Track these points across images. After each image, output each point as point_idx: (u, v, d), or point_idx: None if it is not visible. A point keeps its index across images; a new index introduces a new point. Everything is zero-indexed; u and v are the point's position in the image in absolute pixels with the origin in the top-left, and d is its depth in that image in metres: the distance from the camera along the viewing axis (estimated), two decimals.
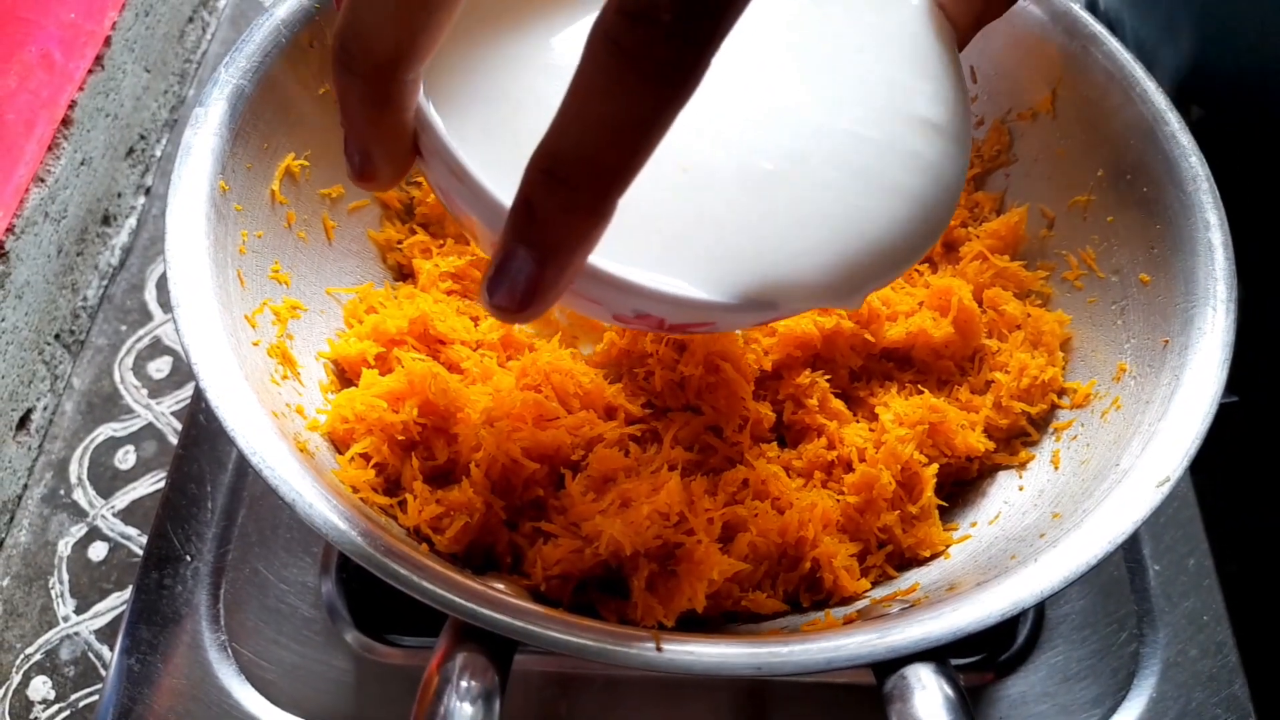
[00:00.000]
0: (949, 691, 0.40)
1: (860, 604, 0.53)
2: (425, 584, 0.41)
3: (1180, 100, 0.61)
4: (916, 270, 0.67)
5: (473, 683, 0.39)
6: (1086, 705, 0.60)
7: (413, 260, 0.66)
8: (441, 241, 0.68)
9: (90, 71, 0.85)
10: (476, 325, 0.62)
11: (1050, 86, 0.65)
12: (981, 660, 0.62)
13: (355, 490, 0.50)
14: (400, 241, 0.67)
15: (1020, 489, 0.57)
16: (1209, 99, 0.75)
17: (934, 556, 0.56)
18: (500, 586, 0.47)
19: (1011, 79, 0.67)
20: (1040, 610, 0.63)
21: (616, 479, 0.54)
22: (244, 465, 0.66)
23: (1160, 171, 0.58)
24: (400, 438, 0.53)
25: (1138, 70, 0.60)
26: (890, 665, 0.42)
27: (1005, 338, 0.63)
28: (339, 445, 0.54)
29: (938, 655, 0.42)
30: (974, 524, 0.57)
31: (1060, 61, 0.64)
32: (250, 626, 0.61)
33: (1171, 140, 0.58)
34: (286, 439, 0.46)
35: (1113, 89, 0.61)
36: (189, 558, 0.62)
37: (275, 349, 0.53)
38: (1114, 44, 0.62)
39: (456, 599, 0.41)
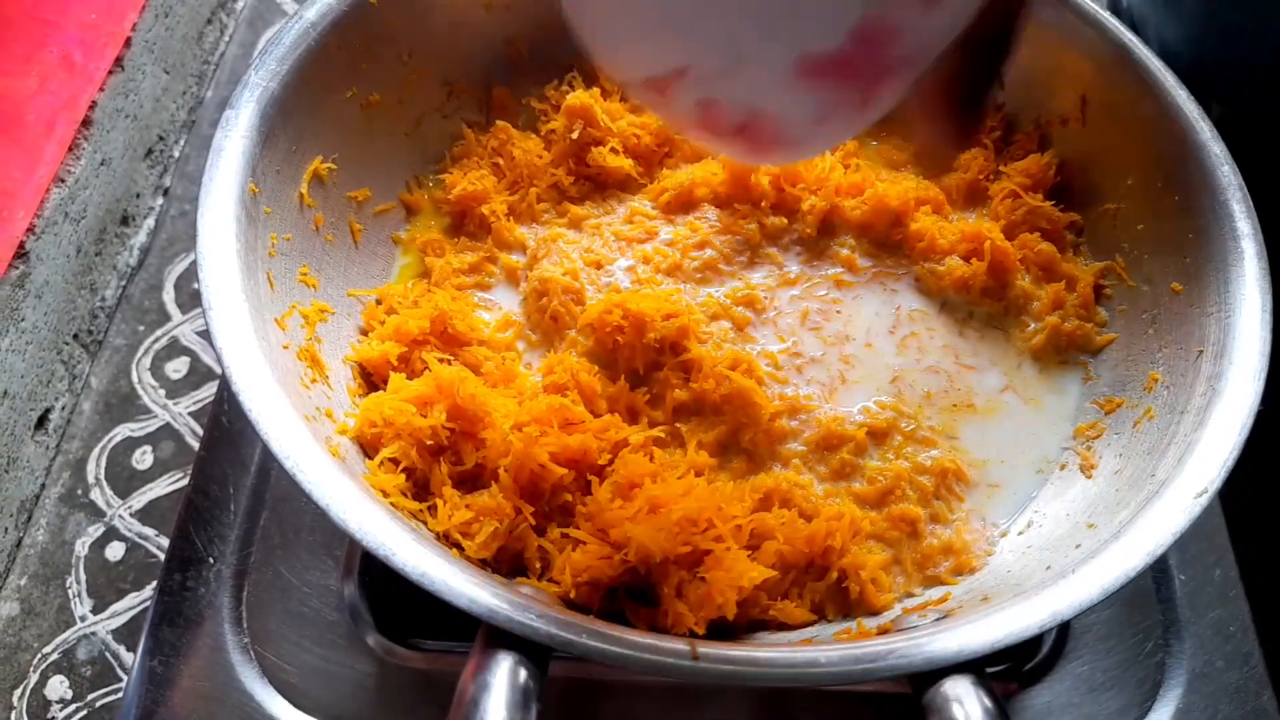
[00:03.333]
0: (988, 704, 0.40)
1: (892, 614, 0.53)
2: (465, 591, 0.41)
3: (1201, 97, 0.60)
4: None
5: (510, 691, 0.39)
6: (1112, 716, 0.60)
7: (426, 258, 0.66)
8: (456, 239, 0.68)
9: (110, 72, 0.84)
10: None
11: (1080, 93, 0.65)
12: (1006, 670, 0.62)
13: (385, 495, 0.50)
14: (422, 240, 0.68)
15: (1051, 498, 0.57)
16: (1231, 96, 0.74)
17: (964, 566, 0.55)
18: (530, 593, 0.47)
19: (1040, 85, 0.67)
20: (1066, 621, 0.63)
21: (643, 484, 0.54)
22: (266, 467, 0.65)
23: (1192, 180, 0.58)
24: (429, 442, 0.53)
25: (1169, 79, 0.60)
26: (928, 677, 0.42)
27: (1040, 279, 0.65)
28: (367, 449, 0.53)
29: (975, 666, 0.42)
30: (1004, 534, 0.57)
31: (1090, 69, 0.64)
32: (272, 629, 0.60)
33: (1204, 149, 0.58)
34: (319, 442, 0.46)
35: (1144, 97, 0.61)
36: (211, 560, 0.62)
37: (304, 352, 0.53)
38: (1145, 51, 0.61)
39: (493, 605, 0.41)
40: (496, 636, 0.42)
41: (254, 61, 0.55)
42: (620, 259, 0.66)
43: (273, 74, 0.55)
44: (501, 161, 0.70)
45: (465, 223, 0.69)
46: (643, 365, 0.60)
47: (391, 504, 0.49)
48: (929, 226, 0.66)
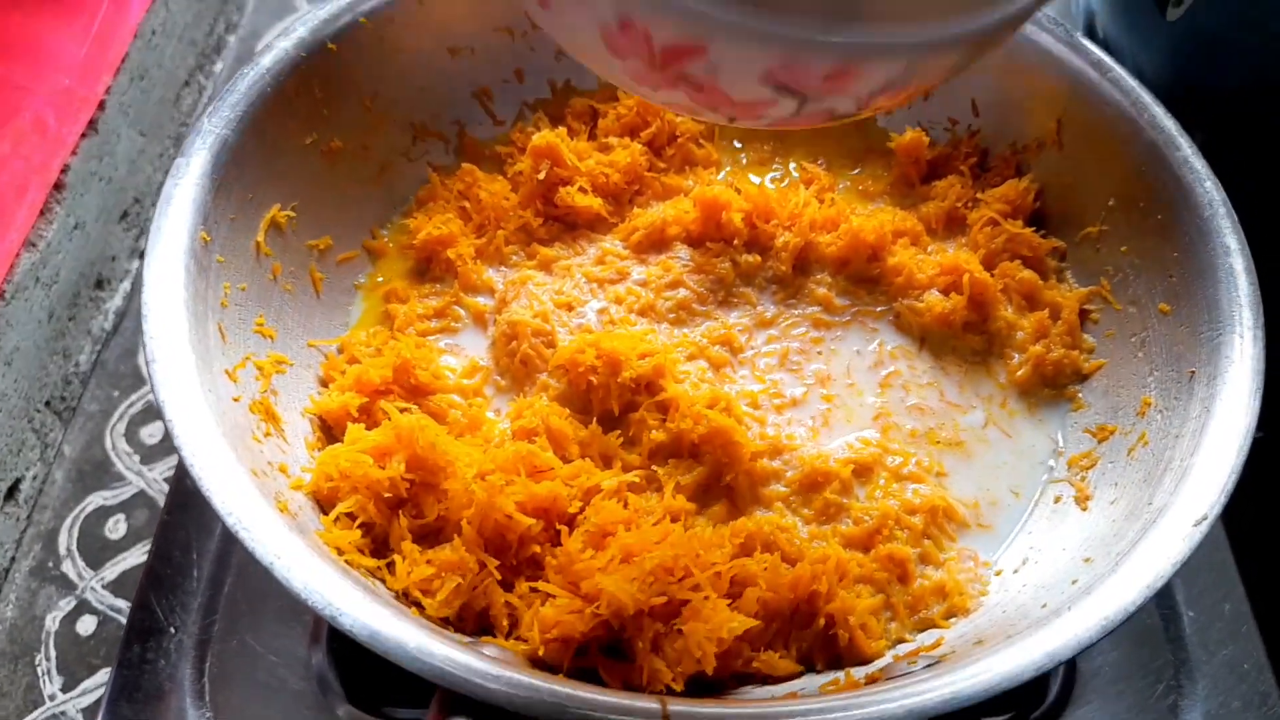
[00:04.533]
0: None
1: (882, 662, 0.50)
2: (412, 652, 0.38)
3: (1184, 125, 0.59)
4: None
5: None
6: None
7: (388, 305, 0.65)
8: (421, 284, 0.67)
9: (84, 136, 0.84)
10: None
11: (1055, 117, 0.64)
12: (1011, 719, 0.59)
13: (340, 552, 0.48)
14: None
15: (1046, 533, 0.55)
16: (1210, 123, 0.73)
17: (958, 608, 0.53)
18: (493, 652, 0.45)
19: (1015, 110, 0.66)
20: (1071, 663, 0.59)
21: (616, 532, 0.51)
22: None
23: (1175, 198, 0.56)
24: (387, 495, 0.51)
25: (1145, 96, 0.59)
26: None
27: (1023, 308, 0.63)
28: (324, 505, 0.51)
29: (972, 715, 0.39)
30: (998, 572, 0.54)
31: (1065, 91, 0.63)
32: (237, 703, 0.57)
33: (1185, 165, 0.56)
34: (267, 498, 0.43)
35: (1120, 117, 0.60)
36: (173, 630, 0.59)
37: (258, 405, 0.51)
38: (1119, 70, 0.60)
39: (445, 667, 0.38)
40: (453, 701, 0.39)
41: (208, 108, 0.54)
42: (592, 300, 0.64)
43: (226, 121, 0.54)
44: (468, 204, 0.69)
45: (431, 267, 0.68)
46: (618, 406, 0.58)
47: (346, 561, 0.47)
48: (906, 261, 0.65)
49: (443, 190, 0.70)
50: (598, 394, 0.58)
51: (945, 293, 0.63)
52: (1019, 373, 0.62)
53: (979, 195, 0.67)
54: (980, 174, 0.69)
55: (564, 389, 0.59)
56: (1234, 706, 0.58)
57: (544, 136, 0.67)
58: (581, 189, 0.68)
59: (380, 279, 0.67)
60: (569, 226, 0.70)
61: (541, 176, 0.67)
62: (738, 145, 0.75)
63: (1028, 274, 0.63)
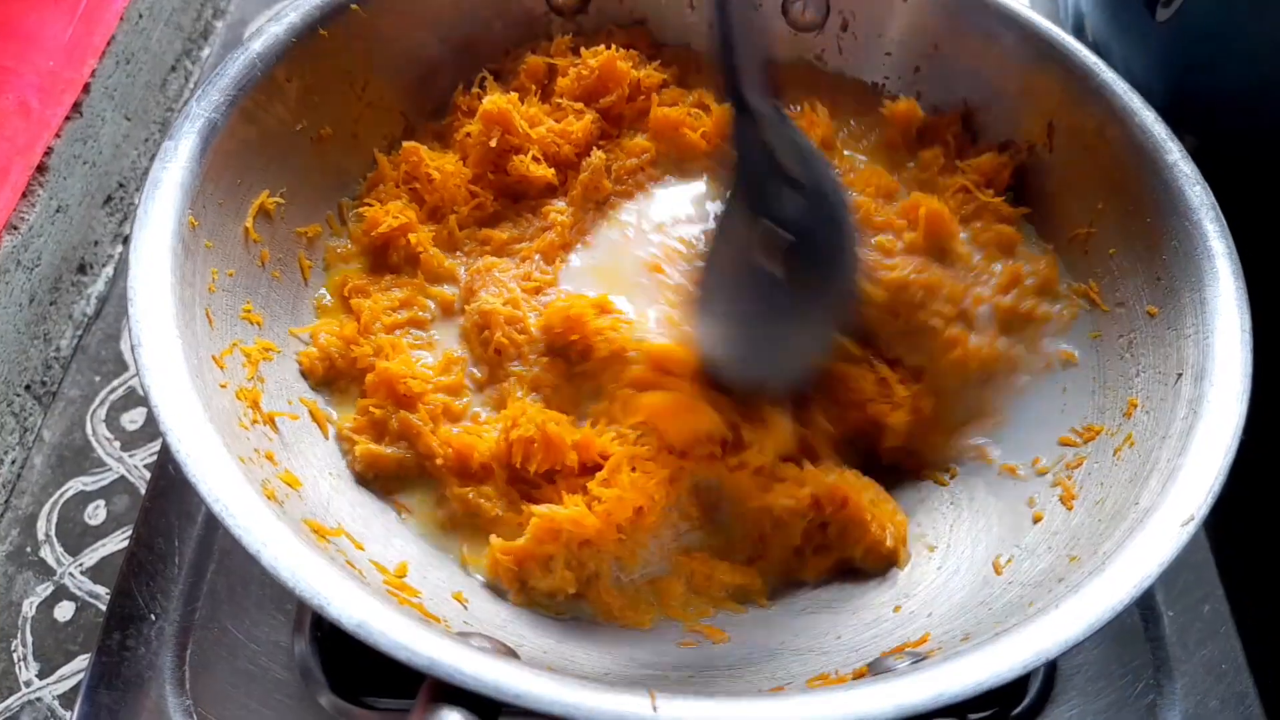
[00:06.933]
0: None
1: (869, 657, 0.50)
2: (405, 641, 0.38)
3: (1174, 128, 0.59)
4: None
5: None
6: None
7: (351, 300, 0.63)
8: (380, 277, 0.65)
9: (68, 119, 0.83)
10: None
11: (1046, 120, 0.64)
12: (991, 716, 0.59)
13: (328, 539, 0.47)
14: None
15: (1031, 531, 0.55)
16: (1201, 127, 0.74)
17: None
18: (482, 644, 0.44)
19: (1006, 113, 0.66)
20: (1052, 662, 0.60)
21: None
22: (214, 517, 0.62)
23: (1163, 201, 0.56)
24: None
25: (1135, 100, 0.59)
26: None
27: (995, 256, 0.62)
28: None
29: (956, 711, 0.39)
30: (983, 570, 0.55)
31: (1056, 94, 0.63)
32: (218, 690, 0.57)
33: (1174, 169, 0.56)
34: (253, 485, 0.43)
35: (1110, 121, 0.60)
36: (153, 616, 0.59)
37: (245, 392, 0.51)
38: (1110, 74, 0.61)
39: (435, 657, 0.38)
40: (441, 691, 0.39)
41: (196, 92, 0.53)
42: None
43: (215, 105, 0.53)
44: (419, 184, 0.66)
45: (388, 256, 0.65)
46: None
47: (336, 550, 0.47)
48: (864, 204, 0.63)
49: (391, 172, 0.67)
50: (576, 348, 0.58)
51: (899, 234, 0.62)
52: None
53: (958, 163, 0.67)
54: (968, 147, 0.68)
55: (542, 370, 0.59)
56: (1212, 706, 0.58)
57: (494, 101, 0.65)
58: (535, 158, 0.66)
59: (334, 262, 0.65)
60: (515, 198, 0.68)
61: (493, 144, 0.65)
62: None
63: (1005, 227, 0.62)
